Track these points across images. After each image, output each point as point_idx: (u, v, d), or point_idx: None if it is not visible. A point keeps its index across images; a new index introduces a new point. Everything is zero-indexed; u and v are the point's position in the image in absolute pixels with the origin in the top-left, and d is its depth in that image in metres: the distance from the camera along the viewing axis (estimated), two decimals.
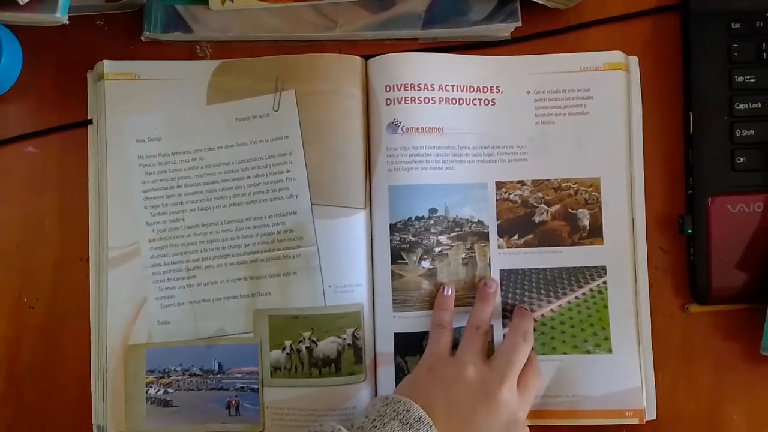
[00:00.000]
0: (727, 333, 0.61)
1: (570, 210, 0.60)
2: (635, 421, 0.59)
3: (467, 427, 0.51)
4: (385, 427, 0.48)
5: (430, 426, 0.49)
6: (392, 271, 0.58)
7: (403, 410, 0.49)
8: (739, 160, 0.59)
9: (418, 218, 0.58)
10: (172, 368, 0.59)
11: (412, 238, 0.58)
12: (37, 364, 0.59)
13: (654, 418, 0.59)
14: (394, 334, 0.58)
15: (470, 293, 0.59)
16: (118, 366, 0.58)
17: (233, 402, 0.58)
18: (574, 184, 0.60)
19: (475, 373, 0.53)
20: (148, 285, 0.59)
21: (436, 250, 0.59)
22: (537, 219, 0.60)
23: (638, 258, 0.60)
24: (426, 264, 0.59)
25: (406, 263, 0.58)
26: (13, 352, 0.59)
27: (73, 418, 0.59)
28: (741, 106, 0.59)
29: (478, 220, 0.60)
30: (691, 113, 0.60)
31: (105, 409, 0.58)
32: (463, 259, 0.59)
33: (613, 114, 0.60)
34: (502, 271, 0.60)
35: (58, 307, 0.60)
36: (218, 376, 0.59)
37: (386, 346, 0.58)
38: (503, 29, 0.61)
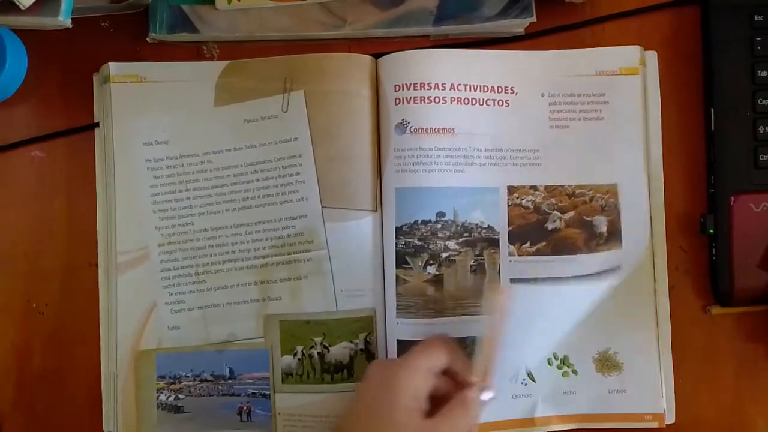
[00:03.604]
0: (750, 335, 0.59)
1: (585, 217, 0.58)
2: (655, 424, 0.57)
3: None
4: None
5: None
6: (397, 276, 0.57)
7: None
8: (762, 157, 0.57)
9: (424, 222, 0.57)
10: (183, 374, 0.58)
11: (418, 242, 0.57)
12: (47, 370, 0.59)
13: (673, 421, 0.58)
14: (397, 341, 0.57)
15: (477, 302, 0.57)
16: (129, 372, 0.58)
17: (245, 408, 0.58)
18: (589, 190, 0.58)
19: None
20: (157, 290, 0.58)
21: (443, 255, 0.57)
22: (550, 226, 0.58)
23: (658, 260, 0.58)
24: (432, 269, 0.57)
25: (412, 268, 0.57)
26: (23, 359, 0.59)
27: (84, 425, 0.59)
28: (764, 102, 0.57)
29: (489, 226, 0.58)
30: (712, 109, 0.58)
31: (116, 416, 0.57)
32: (471, 266, 0.57)
33: (631, 120, 0.58)
34: (512, 280, 0.58)
35: (68, 313, 0.59)
36: (229, 381, 0.58)
37: (392, 353, 0.57)
38: (517, 25, 0.59)
